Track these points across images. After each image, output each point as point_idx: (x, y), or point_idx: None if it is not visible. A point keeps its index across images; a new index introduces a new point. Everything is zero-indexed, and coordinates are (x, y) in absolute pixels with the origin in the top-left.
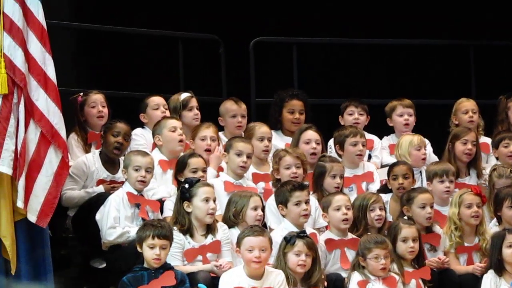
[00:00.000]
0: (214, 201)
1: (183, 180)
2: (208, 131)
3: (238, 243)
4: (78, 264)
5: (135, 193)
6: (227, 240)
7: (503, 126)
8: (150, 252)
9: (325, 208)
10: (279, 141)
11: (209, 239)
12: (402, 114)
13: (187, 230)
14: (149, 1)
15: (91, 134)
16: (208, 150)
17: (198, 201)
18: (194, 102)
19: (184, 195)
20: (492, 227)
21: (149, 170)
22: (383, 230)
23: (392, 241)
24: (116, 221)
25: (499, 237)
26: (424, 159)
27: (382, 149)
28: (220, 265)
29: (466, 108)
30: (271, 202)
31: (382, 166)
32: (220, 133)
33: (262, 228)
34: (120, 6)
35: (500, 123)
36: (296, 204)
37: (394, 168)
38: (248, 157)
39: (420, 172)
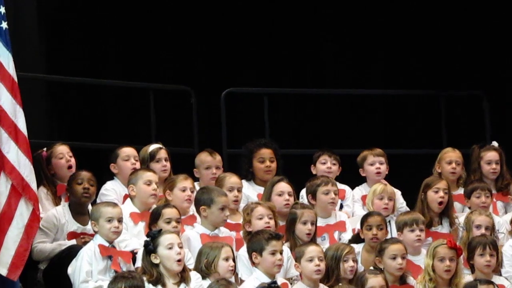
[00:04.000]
0: (181, 247)
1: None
2: (187, 182)
3: None
4: None
5: (107, 244)
6: None
7: (476, 176)
8: None
9: (297, 259)
10: (252, 191)
11: None
12: (373, 163)
13: (157, 281)
14: (120, 52)
15: (60, 187)
16: (188, 201)
17: (162, 250)
18: (162, 154)
19: (148, 247)
20: (465, 275)
21: (121, 220)
22: (353, 281)
23: None
24: (88, 275)
25: None
26: (386, 208)
27: (354, 202)
28: None
29: (451, 159)
30: (242, 252)
31: None
32: (195, 184)
33: (228, 281)
34: (91, 58)
35: (473, 172)
36: (272, 254)
37: (369, 219)
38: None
39: (389, 222)
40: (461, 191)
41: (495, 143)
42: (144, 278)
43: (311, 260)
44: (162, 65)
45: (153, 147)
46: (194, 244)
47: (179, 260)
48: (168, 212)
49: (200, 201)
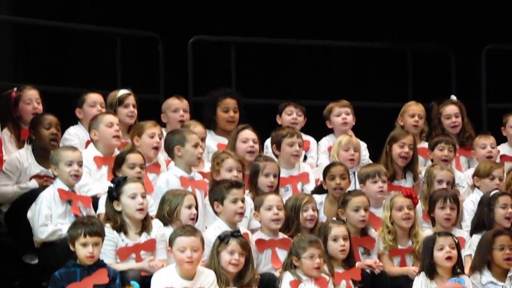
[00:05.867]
0: (144, 197)
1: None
2: (156, 128)
3: (170, 242)
4: (10, 259)
5: (67, 189)
6: (162, 238)
7: (437, 131)
8: (83, 251)
9: (256, 208)
10: (212, 140)
11: (144, 237)
12: (339, 114)
13: (120, 228)
14: None
15: (24, 131)
16: (156, 148)
17: (125, 198)
18: (130, 100)
19: (112, 194)
20: (425, 229)
21: (81, 164)
22: (314, 231)
23: (323, 242)
24: (47, 219)
25: (430, 240)
26: (352, 160)
27: (321, 153)
28: (155, 264)
29: (414, 112)
30: (207, 201)
31: None
32: (162, 129)
33: (194, 228)
34: (58, 1)
35: (434, 129)
36: (233, 202)
37: (331, 169)
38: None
39: (354, 173)
40: (423, 144)
41: (453, 97)
42: (108, 225)
43: (269, 209)
44: (130, 10)
45: (122, 92)
46: (173, 186)
47: (141, 209)
48: (133, 158)
49: (173, 142)
